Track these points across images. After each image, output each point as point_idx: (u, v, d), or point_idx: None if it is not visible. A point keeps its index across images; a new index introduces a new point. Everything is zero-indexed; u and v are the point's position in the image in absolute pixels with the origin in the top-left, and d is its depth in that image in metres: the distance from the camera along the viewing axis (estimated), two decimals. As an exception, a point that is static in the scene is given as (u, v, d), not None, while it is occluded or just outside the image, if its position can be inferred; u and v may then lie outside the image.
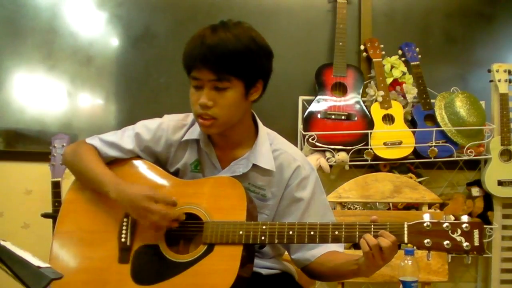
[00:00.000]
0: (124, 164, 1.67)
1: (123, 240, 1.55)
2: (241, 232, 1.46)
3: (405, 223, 1.37)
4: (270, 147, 1.62)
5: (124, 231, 1.56)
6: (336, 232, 1.43)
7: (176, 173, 1.66)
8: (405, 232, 1.37)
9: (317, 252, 1.59)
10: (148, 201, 1.48)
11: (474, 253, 1.33)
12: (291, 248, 1.64)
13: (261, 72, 1.55)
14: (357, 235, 1.40)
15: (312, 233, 1.44)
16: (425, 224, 1.36)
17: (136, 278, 1.50)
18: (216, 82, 1.48)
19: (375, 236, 1.37)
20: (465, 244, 1.33)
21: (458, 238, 1.33)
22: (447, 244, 1.33)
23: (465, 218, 1.35)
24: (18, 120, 3.01)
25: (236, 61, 1.47)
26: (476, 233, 1.33)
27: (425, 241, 1.35)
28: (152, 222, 1.49)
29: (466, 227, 1.33)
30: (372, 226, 1.40)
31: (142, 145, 1.66)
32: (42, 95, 3.02)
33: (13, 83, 3.02)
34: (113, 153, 1.66)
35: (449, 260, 1.38)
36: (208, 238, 1.48)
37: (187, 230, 1.53)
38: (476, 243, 1.32)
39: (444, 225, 1.35)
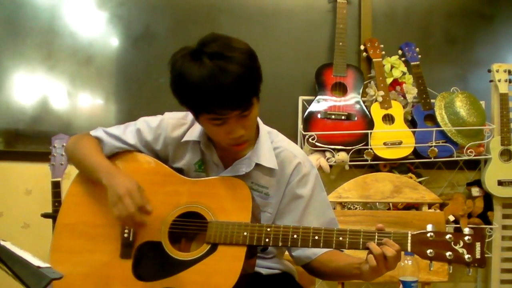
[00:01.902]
0: (130, 159, 1.67)
1: (125, 235, 1.55)
2: (245, 233, 1.46)
3: (409, 232, 1.38)
4: (271, 145, 1.62)
5: (127, 227, 1.56)
6: (341, 238, 1.43)
7: (179, 172, 1.66)
8: (409, 241, 1.37)
9: (318, 250, 1.58)
10: (125, 193, 1.47)
11: (475, 265, 1.34)
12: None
13: (260, 76, 1.52)
14: (361, 242, 1.41)
15: (316, 237, 1.44)
16: (428, 235, 1.37)
17: (138, 274, 1.50)
18: (242, 112, 1.46)
19: (379, 244, 1.38)
20: (466, 256, 1.34)
21: (460, 250, 1.34)
22: (449, 255, 1.34)
23: (467, 230, 1.36)
24: (18, 120, 3.01)
25: (254, 86, 1.45)
26: (478, 245, 1.34)
27: (428, 251, 1.36)
28: (118, 213, 1.48)
29: (468, 239, 1.35)
30: (377, 234, 1.40)
31: (143, 141, 1.67)
32: (42, 95, 3.02)
33: (13, 83, 3.03)
34: (118, 144, 1.67)
35: (450, 271, 1.39)
36: (211, 238, 1.48)
37: (190, 229, 1.53)
38: (478, 256, 1.33)
39: (447, 236, 1.36)
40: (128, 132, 1.68)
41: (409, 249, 1.37)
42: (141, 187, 1.52)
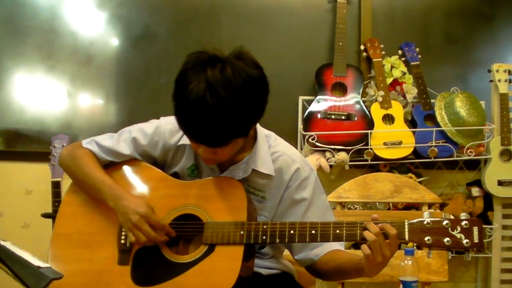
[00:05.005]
0: (123, 166, 1.66)
1: (122, 241, 1.55)
2: (242, 232, 1.46)
3: (406, 221, 1.39)
4: (268, 150, 1.61)
5: (123, 233, 1.55)
6: (338, 231, 1.43)
7: (175, 177, 1.64)
8: (406, 229, 1.38)
9: (320, 251, 1.59)
10: (140, 219, 1.49)
11: (474, 250, 1.34)
12: (294, 249, 1.64)
13: (257, 113, 1.47)
14: (358, 233, 1.41)
15: (313, 232, 1.44)
16: (425, 222, 1.37)
17: (137, 280, 1.49)
18: (212, 147, 1.45)
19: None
20: (465, 241, 1.34)
21: (458, 235, 1.35)
22: (447, 241, 1.35)
23: (464, 215, 1.37)
24: (18, 120, 3.02)
25: (234, 130, 1.41)
26: (475, 230, 1.35)
27: (426, 238, 1.36)
28: (134, 239, 1.50)
29: (465, 224, 1.35)
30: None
31: (140, 150, 1.65)
32: (42, 95, 3.02)
33: (13, 83, 3.03)
34: (110, 158, 1.66)
35: (450, 257, 1.39)
36: (208, 239, 1.48)
37: (187, 231, 1.53)
38: (476, 240, 1.34)
39: (444, 223, 1.36)
40: (122, 142, 1.65)
41: (406, 237, 1.37)
42: (151, 206, 1.52)
